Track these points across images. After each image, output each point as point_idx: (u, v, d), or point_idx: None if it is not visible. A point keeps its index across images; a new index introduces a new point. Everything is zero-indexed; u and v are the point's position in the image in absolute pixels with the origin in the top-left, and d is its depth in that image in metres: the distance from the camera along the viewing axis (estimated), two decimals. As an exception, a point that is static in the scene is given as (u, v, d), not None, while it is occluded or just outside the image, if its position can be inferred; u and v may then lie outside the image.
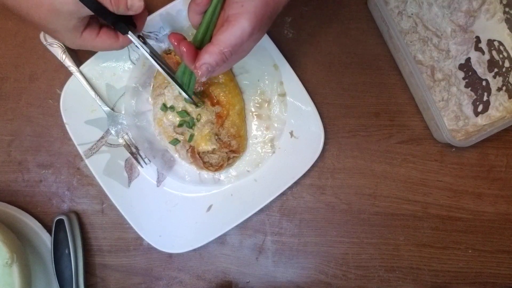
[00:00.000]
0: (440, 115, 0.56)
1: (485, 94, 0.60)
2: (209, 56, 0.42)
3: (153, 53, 0.50)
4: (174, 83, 0.51)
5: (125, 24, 0.46)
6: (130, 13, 0.44)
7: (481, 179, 0.62)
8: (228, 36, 0.41)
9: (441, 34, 0.60)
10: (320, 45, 0.62)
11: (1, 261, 0.50)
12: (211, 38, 0.45)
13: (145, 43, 0.48)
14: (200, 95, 0.58)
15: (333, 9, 0.62)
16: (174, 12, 0.57)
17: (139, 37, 0.48)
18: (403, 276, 0.62)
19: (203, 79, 0.44)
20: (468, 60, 0.60)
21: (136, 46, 0.48)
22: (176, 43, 0.44)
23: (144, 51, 0.48)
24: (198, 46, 0.45)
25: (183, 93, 0.52)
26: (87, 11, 0.42)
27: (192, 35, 0.59)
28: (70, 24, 0.44)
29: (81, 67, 0.57)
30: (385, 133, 0.62)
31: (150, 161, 0.59)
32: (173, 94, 0.58)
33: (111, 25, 0.46)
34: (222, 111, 0.58)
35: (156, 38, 0.58)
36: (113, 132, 0.59)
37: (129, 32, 0.47)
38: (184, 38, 0.44)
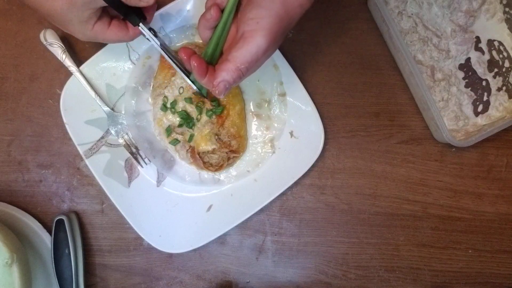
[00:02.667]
0: (440, 115, 0.56)
1: (485, 94, 0.60)
2: (226, 74, 0.42)
3: (164, 46, 0.50)
4: (184, 76, 0.51)
5: (136, 16, 0.47)
6: (142, 4, 0.44)
7: (481, 179, 0.62)
8: (244, 53, 0.41)
9: (441, 34, 0.60)
10: (320, 45, 0.62)
11: (1, 261, 0.50)
12: (221, 52, 0.46)
13: (155, 35, 0.49)
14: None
15: (333, 9, 0.62)
16: (174, 12, 0.57)
17: (150, 29, 0.48)
18: (403, 276, 0.62)
19: (221, 97, 0.44)
20: (468, 60, 0.60)
21: (147, 38, 0.49)
22: (186, 58, 0.44)
23: (154, 43, 0.49)
24: (209, 60, 0.46)
25: (194, 86, 0.52)
26: (101, 2, 0.43)
27: (192, 35, 0.59)
28: (83, 15, 0.44)
29: (81, 67, 0.57)
30: (385, 133, 0.62)
31: (150, 161, 0.59)
32: (173, 94, 0.58)
33: (123, 16, 0.47)
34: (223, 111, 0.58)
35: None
36: (113, 132, 0.59)
37: (140, 24, 0.47)
38: (195, 53, 0.44)
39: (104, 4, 0.43)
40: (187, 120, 0.57)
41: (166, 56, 0.50)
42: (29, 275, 0.53)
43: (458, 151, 0.62)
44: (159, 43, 0.49)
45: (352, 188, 0.62)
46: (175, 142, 0.59)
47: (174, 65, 0.51)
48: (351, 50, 0.62)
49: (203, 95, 0.55)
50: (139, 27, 0.48)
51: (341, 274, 0.62)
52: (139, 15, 0.47)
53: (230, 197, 0.60)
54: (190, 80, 0.52)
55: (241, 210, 0.58)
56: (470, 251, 0.62)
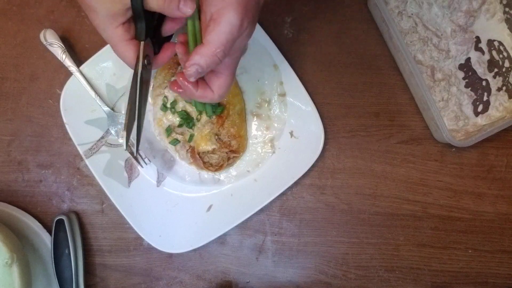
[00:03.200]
0: (440, 115, 0.56)
1: (485, 94, 0.60)
2: (200, 57, 0.39)
3: (143, 80, 0.43)
4: (127, 117, 0.43)
5: (145, 31, 0.41)
6: (178, 14, 0.40)
7: (481, 179, 0.62)
8: (217, 35, 0.38)
9: (441, 34, 0.60)
10: (320, 45, 0.62)
11: (1, 261, 0.50)
12: None
13: (145, 66, 0.43)
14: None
15: (333, 9, 0.62)
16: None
17: (146, 56, 0.42)
18: (403, 276, 0.62)
19: (192, 80, 0.41)
20: (468, 60, 0.60)
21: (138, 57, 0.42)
22: (179, 89, 0.44)
23: (137, 70, 0.42)
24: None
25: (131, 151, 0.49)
26: None
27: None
28: (113, 7, 0.40)
29: (81, 67, 0.57)
30: (385, 133, 0.62)
31: (150, 161, 0.59)
32: (173, 94, 0.58)
33: (135, 23, 0.41)
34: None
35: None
36: (113, 132, 0.59)
37: (143, 42, 0.42)
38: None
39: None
40: (187, 120, 0.57)
41: (129, 89, 0.43)
42: (29, 275, 0.53)
43: (458, 151, 0.62)
44: (139, 71, 0.42)
45: (352, 188, 0.62)
46: (175, 142, 0.59)
47: (127, 102, 0.42)
48: (351, 50, 0.62)
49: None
50: (140, 44, 0.42)
51: (341, 274, 0.62)
52: (156, 43, 0.43)
53: (230, 197, 0.60)
54: (126, 125, 0.43)
55: (241, 210, 0.58)
56: (470, 251, 0.62)
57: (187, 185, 0.60)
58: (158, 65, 0.45)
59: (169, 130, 0.58)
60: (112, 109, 0.59)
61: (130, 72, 0.58)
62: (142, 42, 0.42)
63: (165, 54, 0.45)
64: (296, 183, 0.59)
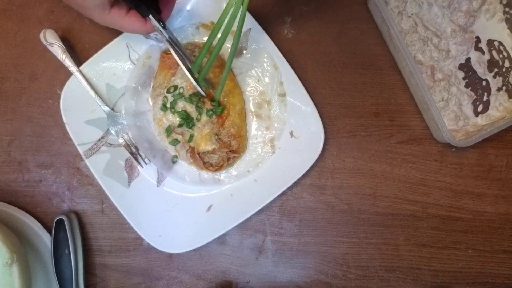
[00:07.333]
0: (440, 115, 0.56)
1: (485, 94, 0.60)
2: None
3: (172, 40, 0.51)
4: (187, 73, 0.52)
5: (146, 7, 0.47)
6: None
7: (481, 179, 0.62)
8: None
9: (441, 34, 0.60)
10: (320, 45, 0.62)
11: (1, 261, 0.50)
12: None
13: (164, 28, 0.50)
14: (207, 83, 0.58)
15: (333, 9, 0.62)
16: (174, 12, 0.57)
17: (159, 22, 0.49)
18: (403, 276, 0.62)
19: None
20: (468, 60, 0.60)
21: (156, 30, 0.50)
22: None
23: (163, 37, 0.50)
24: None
25: (196, 84, 0.53)
26: None
27: (191, 35, 0.59)
28: (97, 0, 0.46)
29: (81, 67, 0.57)
30: (385, 133, 0.62)
31: (150, 161, 0.59)
32: (173, 94, 0.58)
33: (133, 6, 0.47)
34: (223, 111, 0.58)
35: (156, 38, 0.58)
36: (113, 132, 0.59)
37: (150, 16, 0.48)
38: None
39: None
40: (187, 120, 0.57)
41: (172, 51, 0.51)
42: (29, 275, 0.53)
43: (458, 151, 0.62)
44: (167, 36, 0.50)
45: (352, 188, 0.62)
46: (175, 142, 0.59)
47: (178, 60, 0.51)
48: (351, 50, 0.62)
49: (202, 95, 0.55)
50: (149, 18, 0.48)
51: (341, 274, 0.62)
52: (152, 8, 0.48)
53: (230, 197, 0.60)
54: (192, 77, 0.52)
55: (241, 210, 0.58)
56: (470, 251, 0.62)
57: (187, 185, 0.60)
58: (165, 20, 0.52)
59: (169, 130, 0.58)
60: (112, 109, 0.59)
61: (130, 72, 0.59)
62: (150, 16, 0.48)
63: (166, 11, 0.51)
64: (296, 183, 0.59)
